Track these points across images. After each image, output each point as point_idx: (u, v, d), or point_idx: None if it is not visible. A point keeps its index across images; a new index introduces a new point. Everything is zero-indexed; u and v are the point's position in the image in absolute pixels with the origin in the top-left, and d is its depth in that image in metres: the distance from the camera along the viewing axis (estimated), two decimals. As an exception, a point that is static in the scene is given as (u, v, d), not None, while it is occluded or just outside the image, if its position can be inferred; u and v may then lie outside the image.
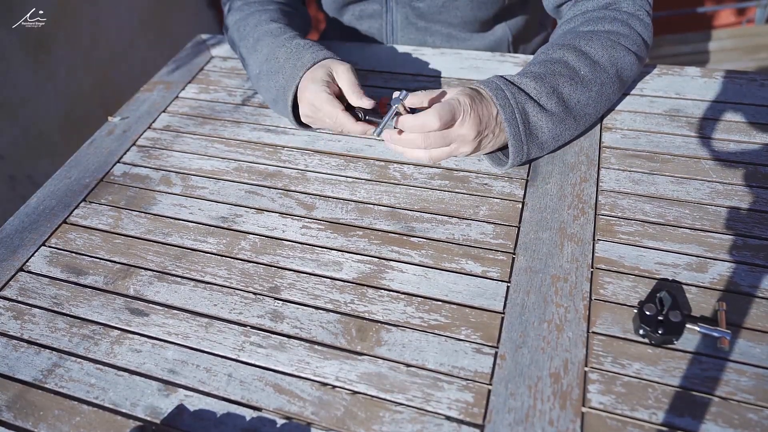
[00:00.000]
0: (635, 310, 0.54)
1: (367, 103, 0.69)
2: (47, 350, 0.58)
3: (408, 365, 0.54)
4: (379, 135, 0.65)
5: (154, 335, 0.58)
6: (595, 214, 0.65)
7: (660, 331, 0.52)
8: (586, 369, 0.52)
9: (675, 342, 0.53)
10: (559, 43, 0.71)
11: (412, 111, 0.66)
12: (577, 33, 0.72)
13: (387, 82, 0.89)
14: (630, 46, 0.71)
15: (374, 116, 0.70)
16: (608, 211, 0.65)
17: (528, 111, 0.65)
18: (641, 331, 0.53)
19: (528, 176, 0.71)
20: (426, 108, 0.64)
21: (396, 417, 0.50)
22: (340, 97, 0.72)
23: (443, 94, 0.67)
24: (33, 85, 1.46)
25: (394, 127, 0.66)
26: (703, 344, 0.53)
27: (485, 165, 0.73)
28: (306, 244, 0.66)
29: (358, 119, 0.70)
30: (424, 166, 0.74)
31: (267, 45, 0.78)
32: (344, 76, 0.71)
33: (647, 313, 0.53)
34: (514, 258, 0.62)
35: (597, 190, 0.68)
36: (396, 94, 0.66)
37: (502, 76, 0.67)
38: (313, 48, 0.75)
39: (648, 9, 0.75)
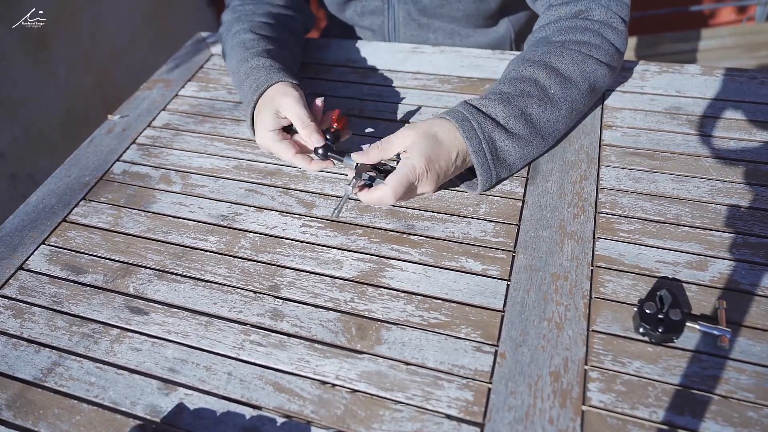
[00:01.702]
0: (635, 309, 0.54)
1: (316, 141, 0.69)
2: (47, 349, 0.58)
3: (408, 364, 0.54)
4: (337, 217, 0.66)
5: (154, 334, 0.58)
6: (595, 212, 0.65)
7: (660, 330, 0.52)
8: (586, 367, 0.52)
9: (675, 340, 0.53)
10: (531, 58, 0.70)
11: (371, 178, 0.65)
12: (549, 45, 0.71)
13: (387, 80, 0.89)
14: (602, 58, 0.70)
15: (332, 146, 0.70)
16: (608, 209, 0.65)
17: (495, 139, 0.65)
18: (641, 330, 0.53)
19: (528, 174, 0.71)
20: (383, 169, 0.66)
21: (396, 415, 0.50)
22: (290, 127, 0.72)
23: (396, 141, 0.64)
24: (33, 83, 1.46)
25: (355, 195, 0.65)
26: (703, 342, 0.53)
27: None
28: (306, 243, 0.66)
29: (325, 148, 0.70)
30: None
31: (235, 57, 0.79)
32: (291, 112, 0.70)
33: (647, 311, 0.53)
34: (514, 256, 0.62)
35: (597, 188, 0.68)
36: (353, 154, 0.66)
37: (468, 102, 0.66)
38: (267, 71, 0.73)
39: (623, 15, 0.73)
